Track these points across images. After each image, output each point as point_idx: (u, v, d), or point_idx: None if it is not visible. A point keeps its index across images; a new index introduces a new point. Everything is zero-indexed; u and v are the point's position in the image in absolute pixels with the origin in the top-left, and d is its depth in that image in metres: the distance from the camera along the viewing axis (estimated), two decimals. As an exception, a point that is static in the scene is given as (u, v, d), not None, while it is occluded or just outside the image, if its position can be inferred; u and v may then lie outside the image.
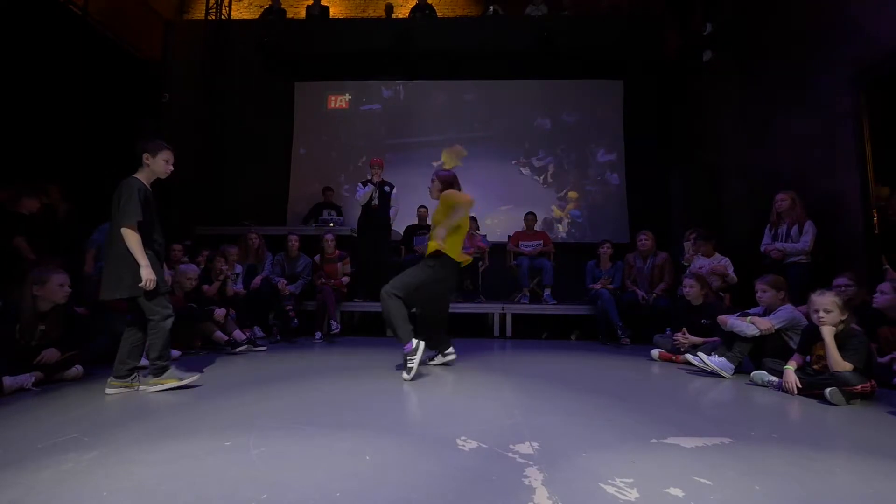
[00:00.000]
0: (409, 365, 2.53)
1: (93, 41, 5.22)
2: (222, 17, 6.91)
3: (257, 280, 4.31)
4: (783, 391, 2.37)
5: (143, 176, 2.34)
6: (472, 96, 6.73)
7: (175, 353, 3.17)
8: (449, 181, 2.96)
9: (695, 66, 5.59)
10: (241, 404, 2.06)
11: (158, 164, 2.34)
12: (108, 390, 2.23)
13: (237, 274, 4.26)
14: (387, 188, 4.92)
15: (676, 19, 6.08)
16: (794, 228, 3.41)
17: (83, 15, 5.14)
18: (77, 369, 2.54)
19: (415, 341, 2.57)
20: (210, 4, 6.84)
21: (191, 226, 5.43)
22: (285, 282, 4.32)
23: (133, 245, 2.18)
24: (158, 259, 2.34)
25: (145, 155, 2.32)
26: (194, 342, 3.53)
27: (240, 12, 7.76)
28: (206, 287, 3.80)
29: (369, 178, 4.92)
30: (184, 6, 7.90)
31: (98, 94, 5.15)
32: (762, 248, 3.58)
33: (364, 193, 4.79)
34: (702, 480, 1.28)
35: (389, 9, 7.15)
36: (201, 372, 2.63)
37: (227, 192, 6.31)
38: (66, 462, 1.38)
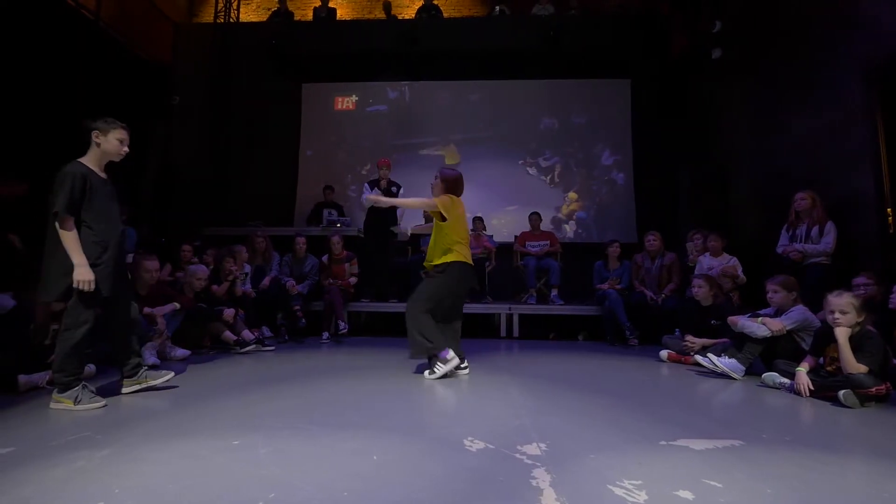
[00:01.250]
0: (436, 368, 2.52)
1: (104, 45, 5.30)
2: (230, 19, 6.98)
3: (266, 280, 4.34)
4: (795, 393, 2.33)
5: (90, 158, 2.06)
6: (479, 96, 6.73)
7: (184, 352, 3.22)
8: (452, 181, 2.82)
9: (703, 64, 5.53)
10: (249, 404, 2.08)
11: (111, 144, 2.06)
12: (123, 391, 2.22)
13: (246, 274, 4.30)
14: (394, 188, 4.92)
15: (684, 17, 6.02)
16: (815, 229, 3.32)
17: (95, 20, 5.22)
18: (89, 368, 2.57)
19: (451, 352, 2.54)
20: (218, 7, 6.92)
21: (199, 226, 5.49)
22: (294, 282, 4.36)
23: (67, 241, 1.90)
24: (115, 252, 2.05)
25: (94, 133, 2.04)
26: (204, 342, 3.57)
27: (248, 15, 7.83)
28: (215, 287, 3.83)
29: (376, 178, 4.93)
30: (193, 9, 7.99)
31: (109, 97, 5.22)
32: (779, 250, 3.49)
33: (368, 196, 4.77)
34: (712, 483, 1.27)
35: (388, 7, 7.17)
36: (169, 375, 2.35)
37: (236, 193, 6.37)
38: (78, 460, 1.40)
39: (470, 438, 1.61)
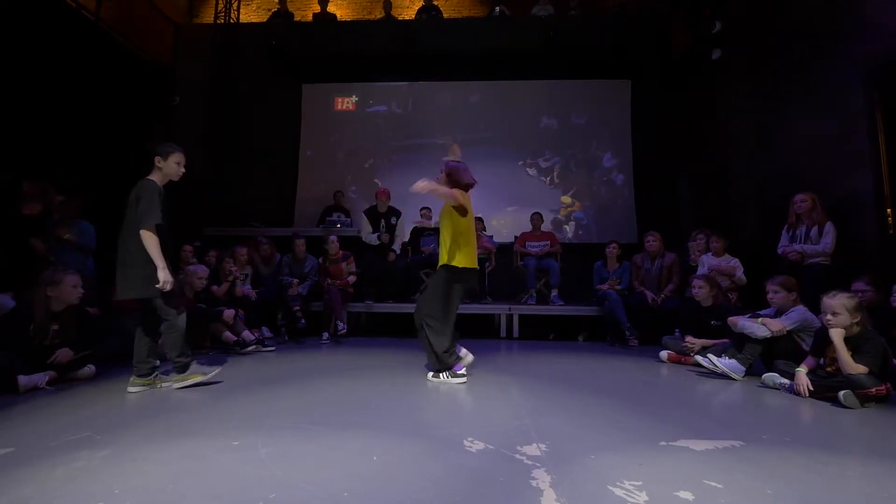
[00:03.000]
0: (443, 376, 2.51)
1: (105, 46, 5.30)
2: (231, 20, 6.98)
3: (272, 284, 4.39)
4: (795, 394, 2.33)
5: (156, 178, 2.36)
6: (479, 97, 6.73)
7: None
8: (457, 174, 2.66)
9: (704, 65, 5.53)
10: (250, 404, 2.08)
11: (171, 167, 2.37)
12: (130, 388, 2.27)
13: (246, 275, 4.30)
14: (393, 219, 4.97)
15: (685, 18, 6.02)
16: (814, 230, 3.34)
17: (96, 21, 5.23)
18: (90, 369, 2.58)
19: (464, 369, 2.54)
20: (219, 8, 6.92)
21: (199, 227, 5.49)
22: (297, 281, 4.37)
23: (152, 247, 2.20)
24: (171, 261, 2.37)
25: (157, 158, 2.35)
26: (204, 342, 3.57)
27: (248, 15, 7.84)
28: (214, 287, 3.83)
29: (374, 205, 4.99)
30: (193, 10, 7.99)
31: (110, 98, 5.23)
32: (779, 251, 3.50)
33: (370, 241, 4.83)
34: (712, 484, 1.27)
35: (388, 6, 7.18)
36: (220, 366, 2.64)
37: (236, 194, 6.37)
38: (78, 460, 1.40)
39: (470, 439, 1.61)
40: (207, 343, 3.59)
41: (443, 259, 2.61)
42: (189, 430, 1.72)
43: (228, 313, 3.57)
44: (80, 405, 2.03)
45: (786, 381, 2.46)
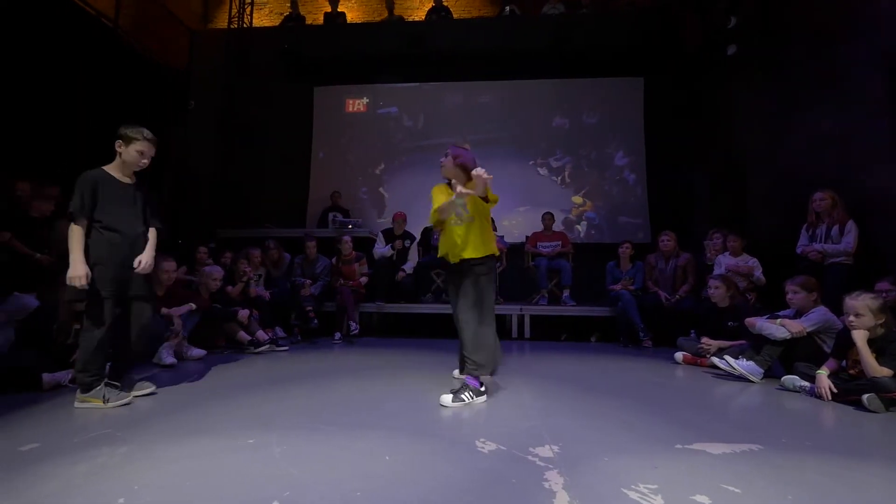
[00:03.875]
0: (464, 397, 2.09)
1: (123, 53, 5.44)
2: (244, 25, 7.10)
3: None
4: (816, 397, 2.27)
5: (113, 166, 2.11)
6: (489, 97, 6.71)
7: (200, 352, 3.28)
8: (467, 160, 2.30)
9: (718, 61, 5.43)
10: (264, 403, 2.11)
11: (130, 155, 2.08)
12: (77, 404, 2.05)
13: (260, 276, 4.36)
14: (407, 242, 5.02)
15: (698, 14, 5.92)
16: (835, 228, 3.24)
17: (114, 28, 5.37)
18: (108, 367, 2.64)
19: (485, 387, 2.19)
20: (232, 13, 7.04)
21: (214, 228, 5.59)
22: (310, 282, 4.42)
23: (71, 238, 1.96)
24: (127, 254, 2.06)
25: (117, 143, 2.08)
26: (219, 342, 3.63)
27: (261, 20, 7.96)
28: (229, 288, 3.90)
29: (391, 228, 5.06)
30: (207, 16, 8.15)
31: (128, 103, 5.37)
32: (798, 250, 3.41)
33: (382, 253, 4.87)
34: (730, 488, 1.24)
35: (391, 5, 7.22)
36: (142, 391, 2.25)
37: (250, 196, 6.47)
38: (99, 456, 1.44)
39: (482, 440, 1.61)
40: (222, 342, 3.65)
41: (488, 249, 2.29)
42: (205, 427, 1.75)
43: (243, 313, 3.63)
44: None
45: (806, 383, 2.40)
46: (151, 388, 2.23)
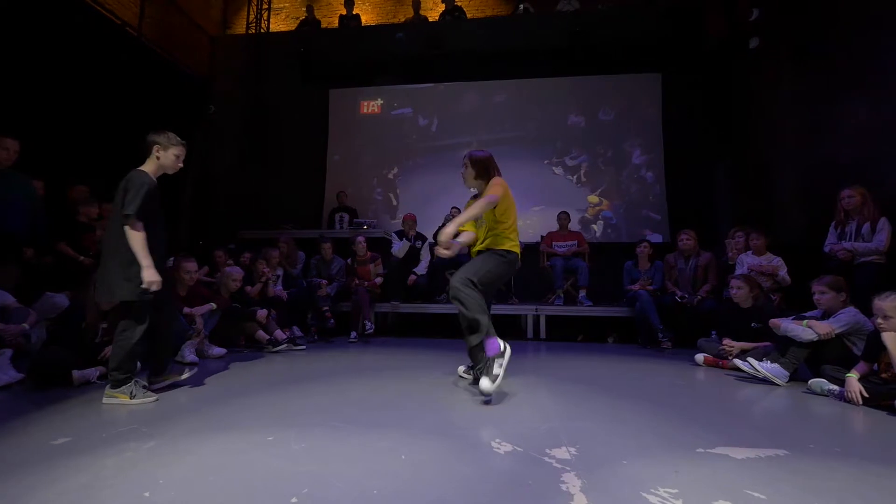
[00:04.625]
0: (495, 371, 2.01)
1: (147, 60, 5.62)
2: (261, 30, 7.24)
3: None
4: (846, 401, 2.19)
5: (150, 168, 2.16)
6: (504, 96, 6.68)
7: (221, 350, 3.36)
8: (484, 164, 2.47)
9: (740, 54, 5.28)
10: (283, 401, 2.15)
11: (169, 159, 2.17)
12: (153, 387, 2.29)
13: (278, 276, 4.44)
14: (418, 243, 5.09)
15: (719, 6, 5.76)
16: (866, 226, 3.10)
17: (138, 36, 5.54)
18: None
19: (502, 342, 2.10)
20: (250, 19, 7.19)
21: (234, 229, 5.71)
22: (326, 282, 4.48)
23: (136, 243, 1.99)
24: (160, 261, 2.14)
25: (156, 147, 2.15)
26: (238, 341, 3.71)
27: (277, 25, 8.10)
28: (248, 288, 3.98)
29: (403, 230, 5.13)
30: (226, 22, 8.34)
31: (152, 108, 5.54)
32: (826, 249, 3.29)
33: (400, 248, 4.94)
34: (754, 494, 1.21)
35: (416, 5, 7.26)
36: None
37: (268, 197, 6.60)
38: (126, 451, 1.49)
39: (498, 440, 1.60)
40: (242, 341, 3.73)
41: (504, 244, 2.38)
42: (226, 424, 1.79)
43: (261, 313, 3.70)
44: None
45: (835, 387, 2.31)
46: (188, 373, 2.46)
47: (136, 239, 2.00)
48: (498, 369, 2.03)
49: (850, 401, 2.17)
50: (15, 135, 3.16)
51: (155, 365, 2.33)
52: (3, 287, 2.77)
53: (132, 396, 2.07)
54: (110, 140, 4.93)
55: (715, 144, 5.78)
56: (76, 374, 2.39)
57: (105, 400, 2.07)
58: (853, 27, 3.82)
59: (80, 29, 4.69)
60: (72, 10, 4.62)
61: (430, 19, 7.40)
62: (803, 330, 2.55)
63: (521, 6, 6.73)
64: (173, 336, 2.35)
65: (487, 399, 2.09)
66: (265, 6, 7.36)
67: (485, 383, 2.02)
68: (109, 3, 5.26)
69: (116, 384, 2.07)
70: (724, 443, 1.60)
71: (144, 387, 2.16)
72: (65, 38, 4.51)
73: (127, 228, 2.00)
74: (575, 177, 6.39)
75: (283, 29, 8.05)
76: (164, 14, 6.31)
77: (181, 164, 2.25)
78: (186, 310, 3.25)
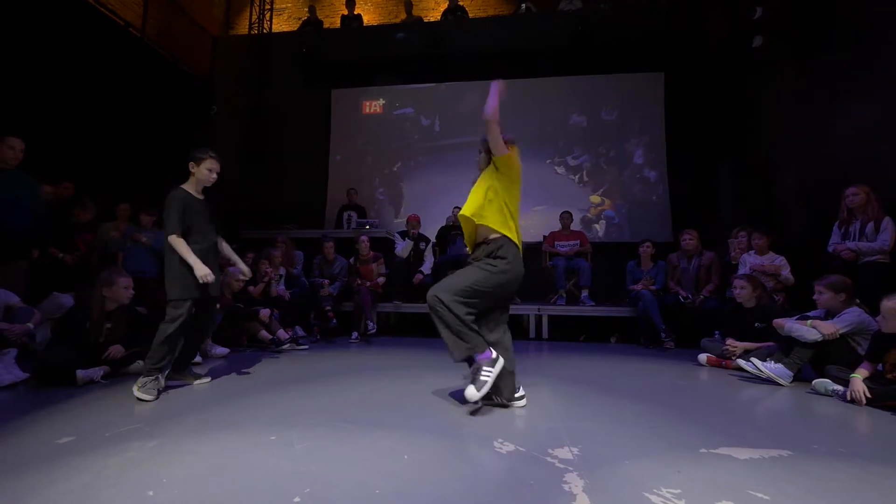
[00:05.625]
0: (482, 377, 1.86)
1: (150, 61, 5.64)
2: (264, 30, 7.25)
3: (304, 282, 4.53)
4: (850, 401, 2.18)
5: (190, 184, 2.43)
6: (505, 95, 6.65)
7: (224, 350, 3.37)
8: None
9: (743, 53, 5.25)
10: (285, 400, 2.15)
11: (202, 173, 2.43)
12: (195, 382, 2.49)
13: (280, 276, 4.45)
14: (422, 245, 5.09)
15: (722, 4, 5.74)
16: (870, 226, 3.09)
17: (141, 37, 5.56)
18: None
19: (494, 352, 1.94)
20: (252, 19, 7.21)
21: (237, 229, 5.73)
22: (328, 282, 4.49)
23: (181, 250, 2.26)
24: (207, 259, 2.37)
25: (190, 164, 2.43)
26: (241, 340, 3.72)
27: (279, 25, 8.12)
28: (251, 288, 3.99)
29: (406, 230, 5.14)
30: (229, 22, 8.36)
31: (156, 108, 5.56)
32: (830, 248, 3.27)
33: (403, 247, 4.94)
34: (758, 495, 1.20)
35: (409, 6, 7.26)
36: (200, 380, 2.54)
37: (271, 198, 6.61)
38: (130, 450, 1.50)
39: (500, 440, 1.60)
40: (244, 341, 3.74)
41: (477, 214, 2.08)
42: (229, 423, 1.80)
43: (264, 313, 3.71)
44: (131, 398, 2.16)
45: (839, 387, 2.30)
46: (202, 381, 2.54)
47: (178, 245, 2.27)
48: (486, 377, 1.88)
49: (854, 401, 2.16)
50: (19, 135, 3.18)
51: (177, 363, 2.46)
52: (10, 286, 2.79)
53: (147, 393, 2.17)
54: (113, 140, 4.95)
55: (718, 143, 5.76)
56: (80, 373, 2.41)
57: (135, 392, 2.16)
58: (854, 27, 3.80)
59: (83, 30, 4.71)
60: (75, 10, 4.65)
61: (432, 18, 7.41)
62: (808, 330, 2.54)
63: (524, 5, 6.72)
64: (204, 337, 2.55)
65: (473, 409, 1.98)
66: (267, 7, 7.38)
67: (470, 391, 1.86)
68: (112, 4, 5.28)
69: (147, 372, 2.22)
70: (727, 443, 1.59)
71: (160, 387, 2.25)
72: (68, 39, 4.54)
73: (171, 240, 2.28)
74: (577, 176, 6.38)
75: (285, 29, 8.07)
76: (166, 15, 6.33)
77: (215, 177, 2.45)
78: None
